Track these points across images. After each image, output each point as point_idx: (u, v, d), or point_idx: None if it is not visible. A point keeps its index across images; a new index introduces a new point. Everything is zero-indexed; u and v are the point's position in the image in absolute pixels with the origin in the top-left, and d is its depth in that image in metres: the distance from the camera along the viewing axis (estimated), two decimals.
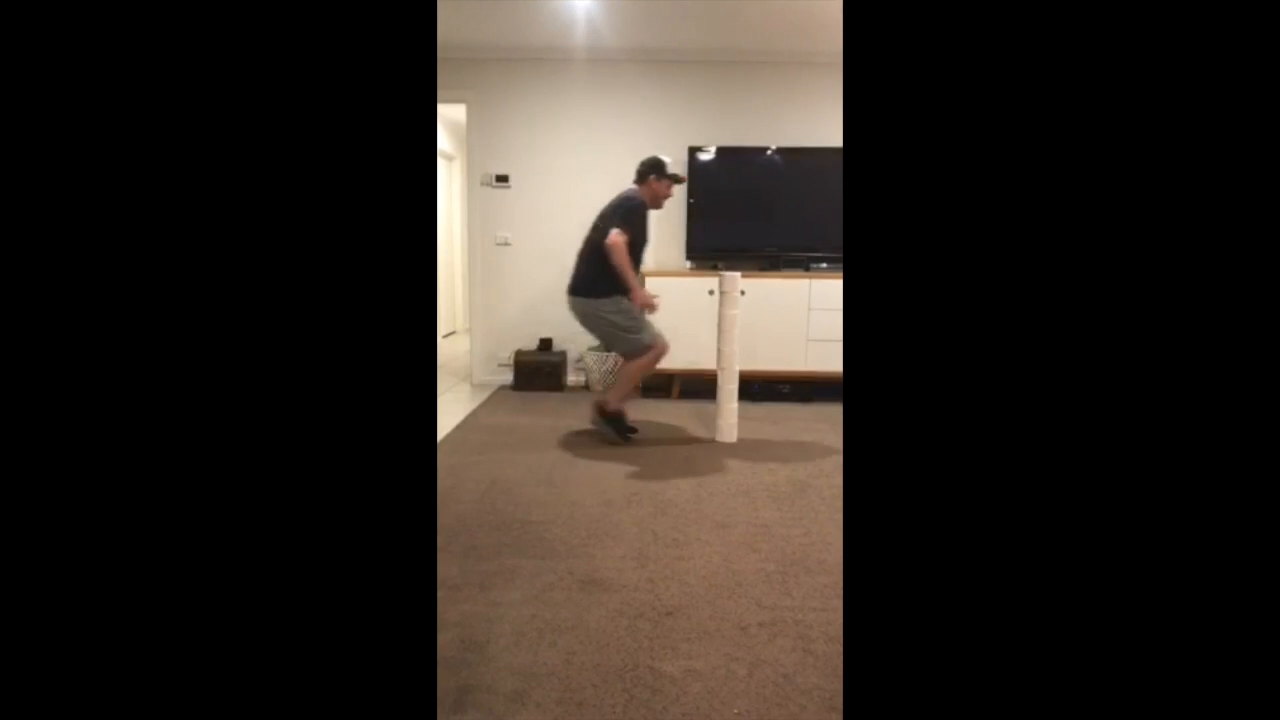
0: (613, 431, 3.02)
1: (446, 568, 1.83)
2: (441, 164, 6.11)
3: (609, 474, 2.63)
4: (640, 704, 1.30)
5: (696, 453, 2.93)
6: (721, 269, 3.78)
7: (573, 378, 4.39)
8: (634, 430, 3.14)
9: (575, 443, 3.06)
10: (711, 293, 3.82)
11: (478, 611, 1.61)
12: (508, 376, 4.37)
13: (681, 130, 4.19)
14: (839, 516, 2.24)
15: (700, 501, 2.35)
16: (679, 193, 3.95)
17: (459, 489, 2.43)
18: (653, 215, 3.07)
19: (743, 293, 3.01)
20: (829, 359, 3.89)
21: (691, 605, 1.66)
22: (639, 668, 1.41)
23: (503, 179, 4.30)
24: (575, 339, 4.38)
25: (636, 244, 2.90)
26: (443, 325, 6.29)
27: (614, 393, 3.02)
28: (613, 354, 4.10)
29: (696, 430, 3.29)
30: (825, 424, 3.48)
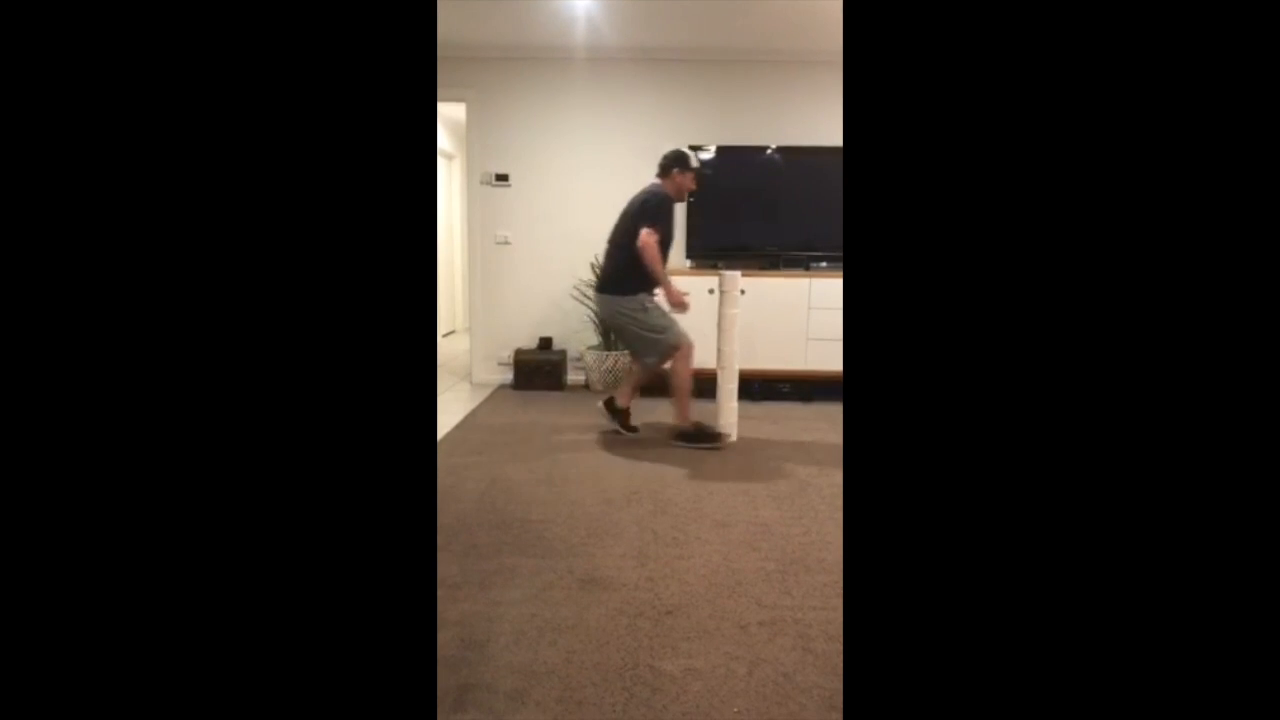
0: (702, 444, 2.96)
1: (446, 567, 1.83)
2: (441, 163, 6.10)
3: (609, 473, 2.63)
4: (640, 702, 1.30)
5: (696, 452, 2.93)
6: (721, 268, 3.77)
7: (573, 376, 4.39)
8: (635, 429, 3.14)
9: (575, 442, 3.06)
10: (711, 292, 3.82)
11: (478, 610, 1.61)
12: (507, 375, 4.37)
13: (681, 129, 4.19)
14: (839, 515, 2.24)
15: (700, 500, 2.35)
16: None
17: (459, 488, 2.43)
18: None
19: (743, 292, 3.01)
20: (829, 358, 3.89)
21: (691, 604, 1.66)
22: (639, 666, 1.41)
23: (503, 178, 4.30)
24: (575, 338, 4.38)
25: (664, 241, 2.88)
26: (442, 324, 6.29)
27: (678, 409, 2.99)
28: (612, 354, 4.11)
29: None
30: (825, 423, 3.48)
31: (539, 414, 3.58)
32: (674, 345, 2.89)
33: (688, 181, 2.96)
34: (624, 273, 2.91)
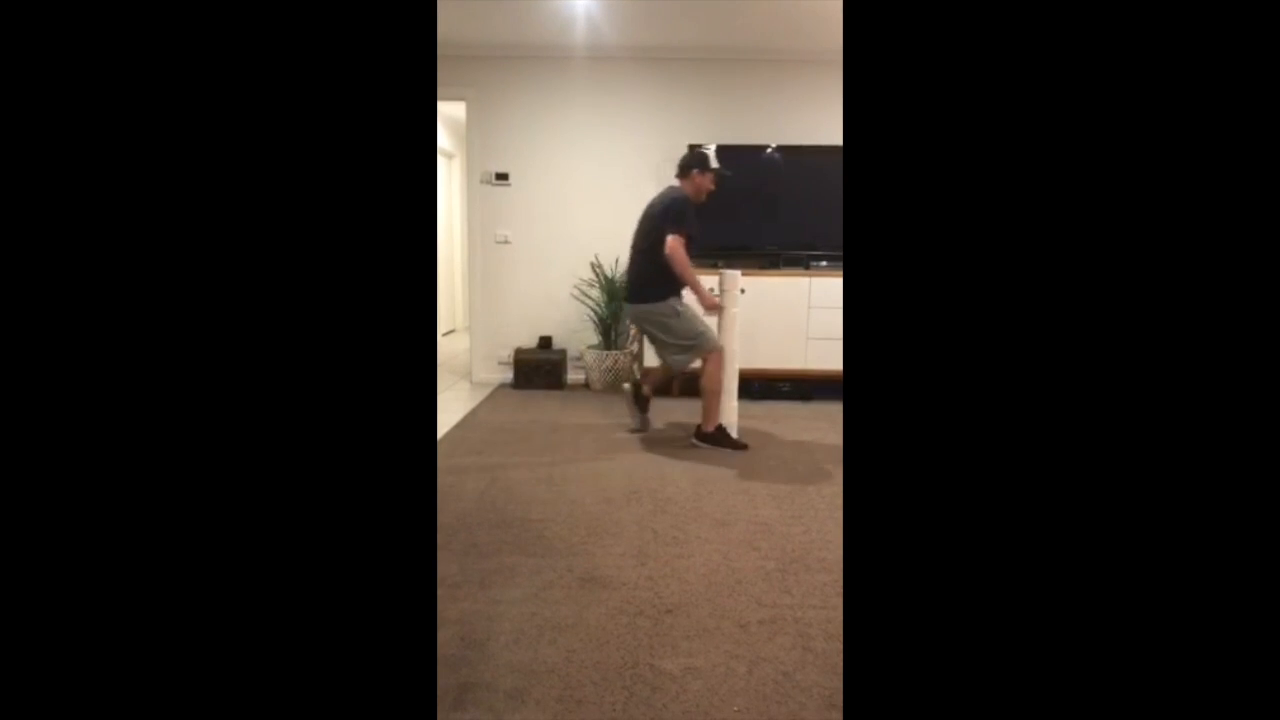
0: (725, 449, 2.95)
1: (446, 565, 1.83)
2: (441, 162, 6.10)
3: (609, 472, 2.63)
4: (640, 701, 1.30)
5: (696, 451, 2.93)
6: (721, 267, 3.77)
7: (572, 376, 4.39)
8: (647, 422, 3.12)
9: (575, 441, 3.06)
10: (711, 291, 3.82)
11: (478, 609, 1.61)
12: (507, 375, 4.37)
13: (681, 128, 4.19)
14: (839, 514, 2.24)
15: (700, 499, 2.35)
16: None
17: (459, 487, 2.43)
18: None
19: (742, 291, 3.01)
20: (829, 357, 3.89)
21: (691, 603, 1.66)
22: (639, 665, 1.41)
23: (502, 177, 4.30)
24: (575, 337, 4.38)
25: (689, 242, 2.86)
26: (442, 323, 6.29)
27: (707, 416, 2.97)
28: (612, 353, 4.11)
29: None
30: (825, 422, 3.48)
31: (539, 413, 3.58)
32: (708, 352, 2.87)
33: (707, 182, 2.94)
34: (650, 279, 2.89)
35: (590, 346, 4.21)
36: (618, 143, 4.24)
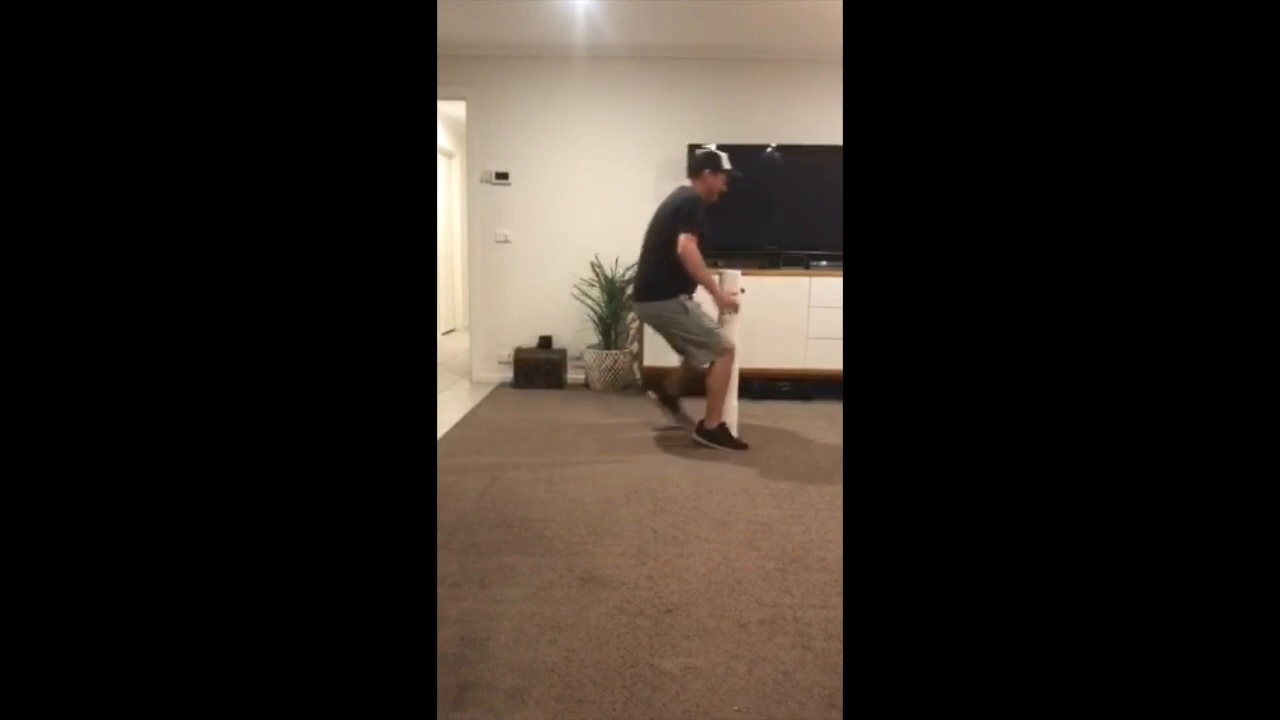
0: (725, 448, 2.95)
1: (446, 565, 1.83)
2: (441, 161, 6.10)
3: (609, 472, 2.63)
4: (640, 701, 1.30)
5: (696, 450, 2.93)
6: (721, 267, 3.77)
7: (572, 375, 4.39)
8: (676, 415, 3.13)
9: (575, 440, 3.06)
10: None
11: (478, 609, 1.61)
12: (507, 374, 4.37)
13: (681, 128, 4.19)
14: (839, 514, 2.24)
15: (700, 499, 2.35)
16: None
17: (459, 486, 2.43)
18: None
19: (742, 290, 3.01)
20: (829, 357, 3.89)
21: (691, 603, 1.66)
22: (639, 665, 1.41)
23: (502, 176, 4.30)
24: (575, 336, 4.38)
25: (701, 241, 2.86)
26: (442, 323, 6.29)
27: (710, 413, 2.96)
28: (612, 353, 4.11)
29: None
30: (825, 422, 3.48)
31: (539, 413, 3.58)
32: (719, 351, 2.87)
33: (718, 183, 2.94)
34: (660, 278, 2.89)
35: (590, 346, 4.21)
36: (618, 142, 4.23)
